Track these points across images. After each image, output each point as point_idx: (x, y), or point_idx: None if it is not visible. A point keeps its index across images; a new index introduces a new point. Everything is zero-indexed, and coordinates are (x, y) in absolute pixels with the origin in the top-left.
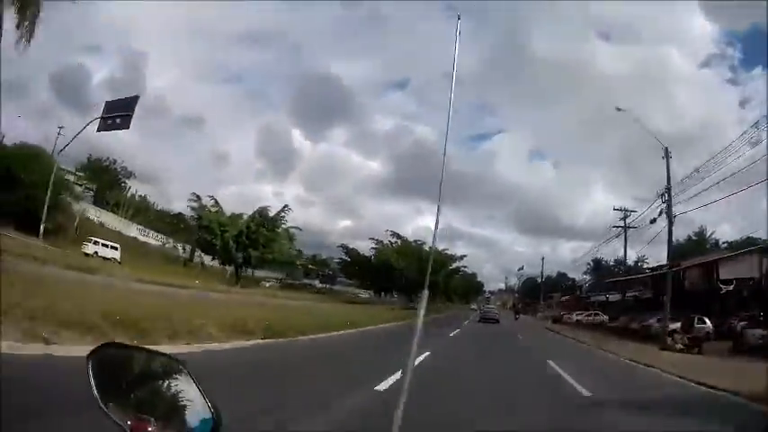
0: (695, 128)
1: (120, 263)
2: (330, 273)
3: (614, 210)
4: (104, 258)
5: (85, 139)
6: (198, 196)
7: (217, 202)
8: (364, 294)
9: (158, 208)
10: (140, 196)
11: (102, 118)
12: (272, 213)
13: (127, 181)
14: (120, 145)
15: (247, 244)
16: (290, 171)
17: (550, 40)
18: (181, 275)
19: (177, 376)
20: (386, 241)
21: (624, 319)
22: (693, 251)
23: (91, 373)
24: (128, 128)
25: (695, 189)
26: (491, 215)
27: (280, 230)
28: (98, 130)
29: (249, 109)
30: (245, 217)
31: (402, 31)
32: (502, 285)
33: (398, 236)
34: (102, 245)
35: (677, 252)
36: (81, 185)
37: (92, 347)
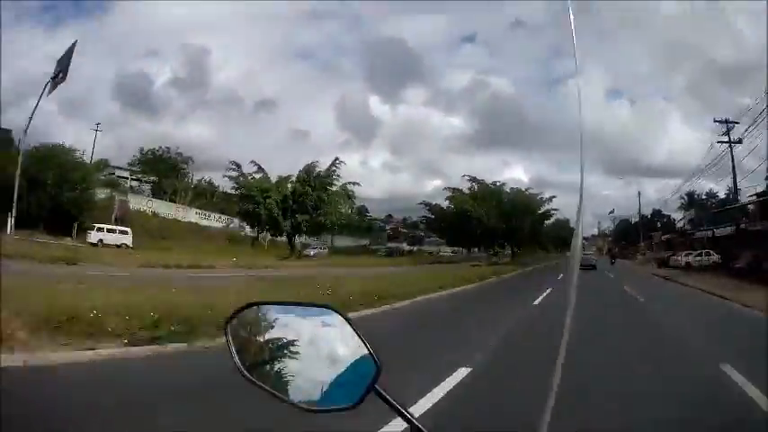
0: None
1: (131, 248)
2: (419, 234)
3: (715, 122)
4: (116, 246)
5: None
6: (237, 164)
7: (260, 167)
8: (449, 252)
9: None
10: (206, 181)
11: (51, 79)
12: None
13: (186, 166)
14: (197, 139)
15: (294, 209)
16: (374, 138)
17: None
18: (228, 254)
19: (331, 324)
20: (465, 188)
21: (748, 257)
22: None
23: (231, 342)
24: (64, 79)
25: None
26: (576, 160)
27: (334, 189)
28: (48, 94)
29: (323, 84)
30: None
31: None
32: (595, 231)
33: (475, 180)
34: (109, 230)
35: None
36: (137, 179)
37: None
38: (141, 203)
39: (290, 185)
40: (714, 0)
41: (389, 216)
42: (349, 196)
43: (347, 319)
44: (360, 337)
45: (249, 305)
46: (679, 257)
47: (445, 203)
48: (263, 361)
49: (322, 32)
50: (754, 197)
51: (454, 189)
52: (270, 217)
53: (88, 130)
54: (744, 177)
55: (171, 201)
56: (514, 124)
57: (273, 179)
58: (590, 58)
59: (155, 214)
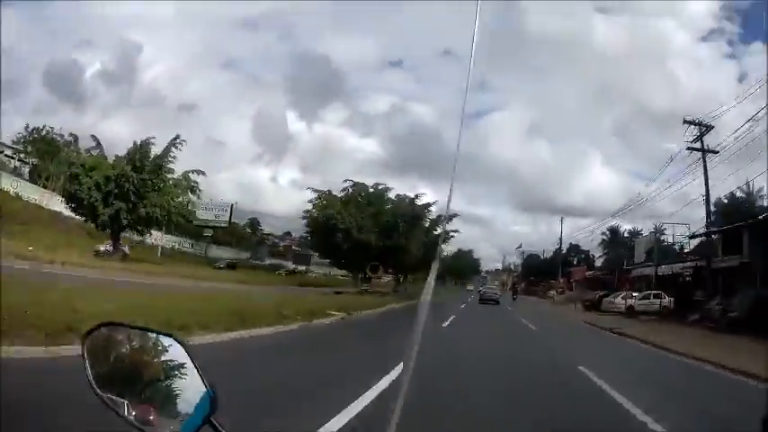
0: (692, 103)
1: None
2: (309, 253)
3: (684, 123)
4: None
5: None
6: (75, 136)
7: (99, 142)
8: (338, 275)
9: None
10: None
11: None
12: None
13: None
14: (117, 136)
15: (116, 194)
16: (286, 155)
17: (548, 14)
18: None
19: (173, 353)
20: (341, 193)
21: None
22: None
23: (86, 357)
24: None
25: None
26: (487, 193)
27: (173, 176)
28: None
29: (245, 94)
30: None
31: (396, 9)
32: (498, 265)
33: (355, 183)
34: None
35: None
36: (20, 159)
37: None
38: (8, 184)
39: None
40: (653, 43)
41: (287, 233)
42: (191, 188)
43: (188, 352)
44: (198, 370)
45: (105, 324)
46: (615, 300)
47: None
48: (112, 381)
49: (253, 42)
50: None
51: (321, 192)
52: (88, 202)
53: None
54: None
55: (44, 186)
56: (429, 153)
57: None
58: (516, 94)
59: (18, 197)
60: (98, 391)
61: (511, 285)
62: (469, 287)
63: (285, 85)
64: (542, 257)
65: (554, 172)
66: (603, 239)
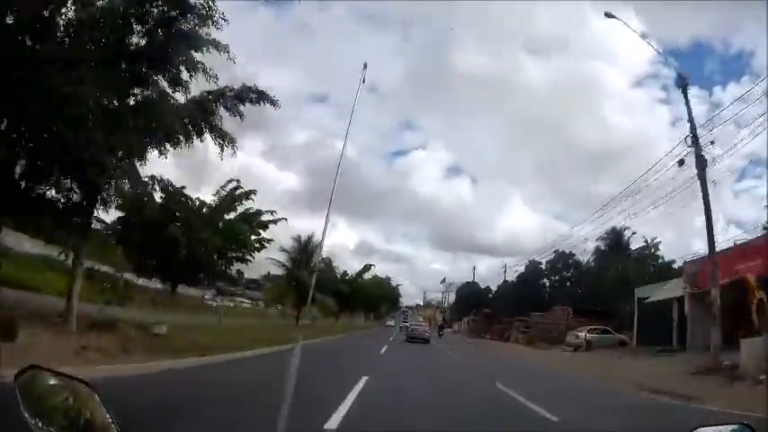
0: (624, 144)
1: None
2: None
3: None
4: None
5: None
6: None
7: None
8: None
9: None
10: None
11: None
12: None
13: None
14: None
15: None
16: (202, 184)
17: (476, 54)
18: None
19: (91, 400)
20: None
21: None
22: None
23: (19, 394)
24: None
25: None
26: (407, 231)
27: None
28: None
29: None
30: None
31: (326, 44)
32: (418, 301)
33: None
34: None
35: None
36: None
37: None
38: None
39: None
40: (583, 85)
41: None
42: None
43: (101, 397)
44: (108, 413)
45: (32, 367)
46: (578, 335)
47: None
48: (39, 417)
49: None
50: None
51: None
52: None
53: None
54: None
55: None
56: (348, 189)
57: None
58: (438, 133)
59: None
60: (31, 424)
61: (441, 321)
62: (389, 322)
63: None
64: (482, 287)
65: (476, 211)
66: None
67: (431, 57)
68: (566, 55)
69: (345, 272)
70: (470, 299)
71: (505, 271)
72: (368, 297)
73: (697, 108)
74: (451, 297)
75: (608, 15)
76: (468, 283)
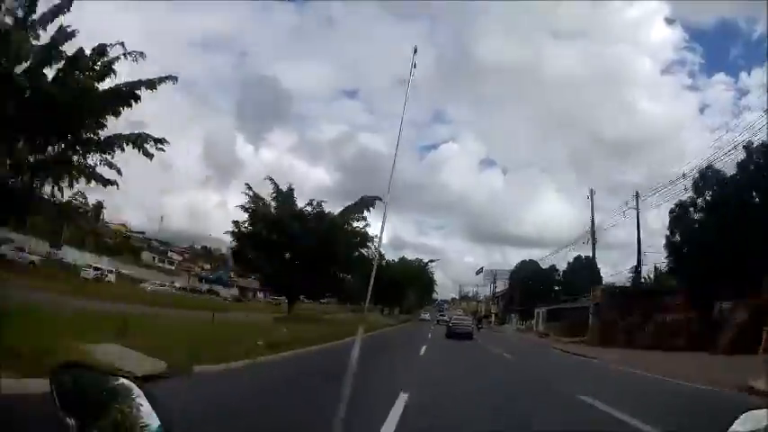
0: (651, 133)
1: None
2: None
3: None
4: None
5: None
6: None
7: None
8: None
9: None
10: None
11: None
12: None
13: None
14: None
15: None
16: (234, 179)
17: (503, 43)
18: None
19: (134, 396)
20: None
21: None
22: None
23: (55, 393)
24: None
25: None
26: (440, 224)
27: None
28: None
29: (195, 115)
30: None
31: (354, 38)
32: (453, 295)
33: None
34: None
35: None
36: None
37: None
38: None
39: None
40: (611, 70)
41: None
42: None
43: (146, 393)
44: (155, 411)
45: (69, 365)
46: None
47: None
48: (78, 418)
49: (206, 63)
50: None
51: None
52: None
53: None
54: None
55: None
56: (378, 182)
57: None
58: (468, 124)
59: None
60: (68, 423)
61: (483, 315)
62: (424, 315)
63: (236, 109)
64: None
65: (508, 202)
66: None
67: (459, 48)
68: (592, 42)
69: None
70: (531, 283)
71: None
72: (394, 281)
73: (723, 95)
74: (494, 287)
75: None
76: (525, 262)
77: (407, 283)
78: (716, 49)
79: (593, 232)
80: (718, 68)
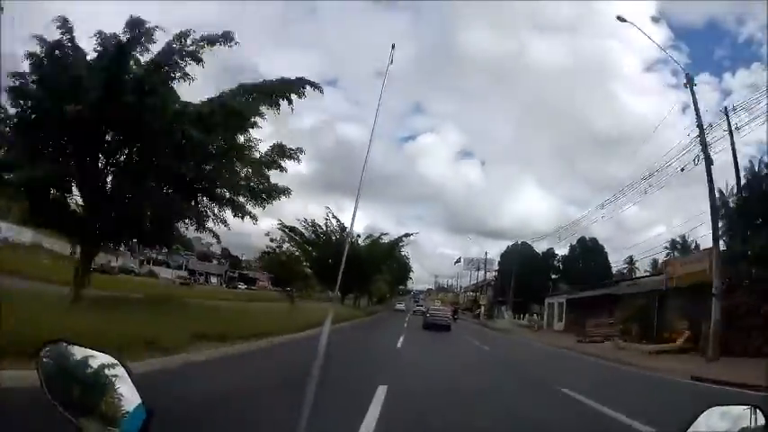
0: (635, 129)
1: None
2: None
3: None
4: None
5: None
6: None
7: None
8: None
9: None
10: None
11: None
12: None
13: None
14: None
15: None
16: None
17: (486, 35)
18: None
19: (116, 372)
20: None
21: None
22: None
23: (40, 369)
24: None
25: None
26: (417, 215)
27: None
28: None
29: None
30: None
31: (336, 28)
32: (429, 286)
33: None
34: None
35: None
36: None
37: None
38: None
39: None
40: (594, 66)
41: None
42: None
43: (126, 368)
44: (135, 387)
45: (57, 341)
46: None
47: None
48: (61, 394)
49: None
50: None
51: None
52: None
53: None
54: None
55: None
56: (356, 172)
57: None
58: (449, 116)
59: None
60: (51, 398)
61: (467, 306)
62: (399, 306)
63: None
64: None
65: (486, 194)
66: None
67: (441, 40)
68: (576, 37)
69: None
70: (526, 270)
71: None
72: (360, 264)
73: (707, 96)
74: (486, 275)
75: (620, 19)
76: (516, 245)
77: (375, 267)
78: (701, 49)
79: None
80: (702, 68)
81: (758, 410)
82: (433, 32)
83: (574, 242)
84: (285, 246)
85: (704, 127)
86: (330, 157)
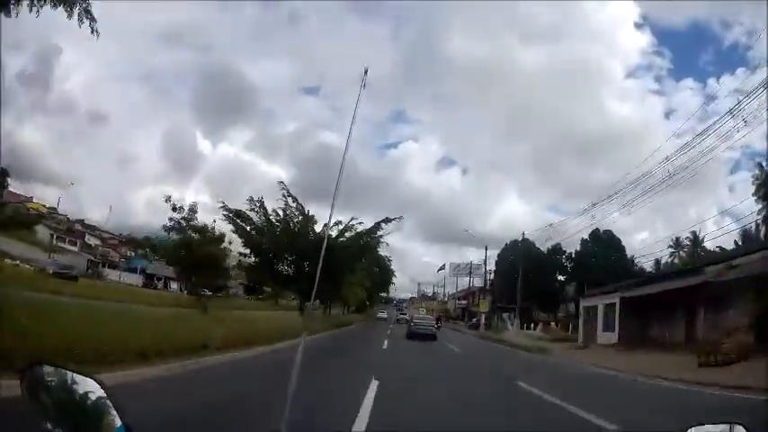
0: (617, 135)
1: None
2: None
3: None
4: None
5: None
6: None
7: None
8: None
9: None
10: None
11: None
12: None
13: None
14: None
15: None
16: (194, 175)
17: (468, 43)
18: None
19: (99, 396)
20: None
21: None
22: None
23: (24, 390)
24: None
25: None
26: (400, 224)
27: None
28: None
29: (155, 109)
30: None
31: (317, 35)
32: (413, 295)
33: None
34: None
35: None
36: None
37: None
38: None
39: None
40: (576, 72)
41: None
42: None
43: (106, 391)
44: (114, 408)
45: (36, 363)
46: None
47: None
48: (44, 415)
49: (171, 57)
50: None
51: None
52: None
53: None
54: None
55: None
56: (334, 180)
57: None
58: (431, 124)
59: None
60: (36, 418)
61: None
62: (381, 314)
63: (197, 105)
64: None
65: (468, 202)
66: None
67: (422, 47)
68: (558, 44)
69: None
70: (530, 270)
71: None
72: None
73: (691, 100)
74: (460, 283)
75: None
76: (516, 242)
77: (350, 267)
78: (685, 53)
79: None
80: (686, 73)
81: (740, 427)
82: (415, 40)
83: (586, 236)
84: (198, 220)
85: None
86: (309, 165)
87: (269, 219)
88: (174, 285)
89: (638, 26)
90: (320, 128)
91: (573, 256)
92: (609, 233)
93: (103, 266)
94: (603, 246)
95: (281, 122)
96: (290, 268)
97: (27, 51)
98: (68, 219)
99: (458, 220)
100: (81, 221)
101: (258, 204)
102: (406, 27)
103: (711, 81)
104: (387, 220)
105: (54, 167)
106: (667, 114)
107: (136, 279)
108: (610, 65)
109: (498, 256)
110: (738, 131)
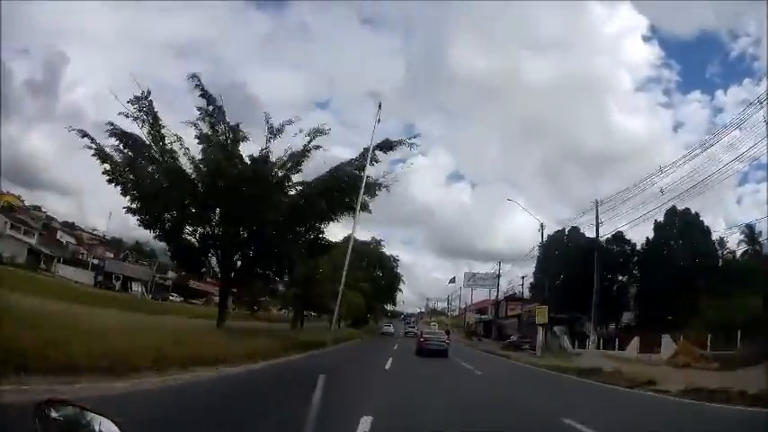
0: (626, 148)
1: None
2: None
3: None
4: None
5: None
6: None
7: None
8: None
9: None
10: None
11: None
12: None
13: None
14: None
15: None
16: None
17: (478, 57)
18: None
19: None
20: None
21: None
22: None
23: (38, 427)
24: None
25: None
26: (406, 238)
27: None
28: None
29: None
30: None
31: (328, 49)
32: (421, 309)
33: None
34: None
35: None
36: None
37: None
38: None
39: None
40: (585, 85)
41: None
42: None
43: (121, 429)
44: None
45: (52, 401)
46: None
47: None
48: None
49: (181, 69)
50: None
51: None
52: None
53: None
54: None
55: None
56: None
57: None
58: (439, 138)
59: None
60: None
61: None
62: (387, 328)
63: (202, 117)
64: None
65: (477, 217)
66: None
67: (431, 60)
68: (567, 56)
69: None
70: (579, 268)
71: None
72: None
73: (698, 113)
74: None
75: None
76: (563, 232)
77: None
78: (693, 66)
79: None
80: (694, 86)
81: None
82: (425, 54)
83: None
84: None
85: None
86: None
87: (160, 134)
88: (135, 287)
89: (646, 39)
90: (330, 142)
91: (636, 248)
92: (687, 211)
93: (59, 262)
94: (683, 228)
95: (288, 136)
96: (210, 232)
97: (33, 58)
98: (48, 216)
99: (467, 235)
100: (71, 224)
101: (145, 107)
102: (416, 42)
103: (719, 93)
104: (387, 145)
105: (64, 177)
106: (676, 127)
107: (87, 277)
108: (618, 77)
109: (541, 250)
110: None
